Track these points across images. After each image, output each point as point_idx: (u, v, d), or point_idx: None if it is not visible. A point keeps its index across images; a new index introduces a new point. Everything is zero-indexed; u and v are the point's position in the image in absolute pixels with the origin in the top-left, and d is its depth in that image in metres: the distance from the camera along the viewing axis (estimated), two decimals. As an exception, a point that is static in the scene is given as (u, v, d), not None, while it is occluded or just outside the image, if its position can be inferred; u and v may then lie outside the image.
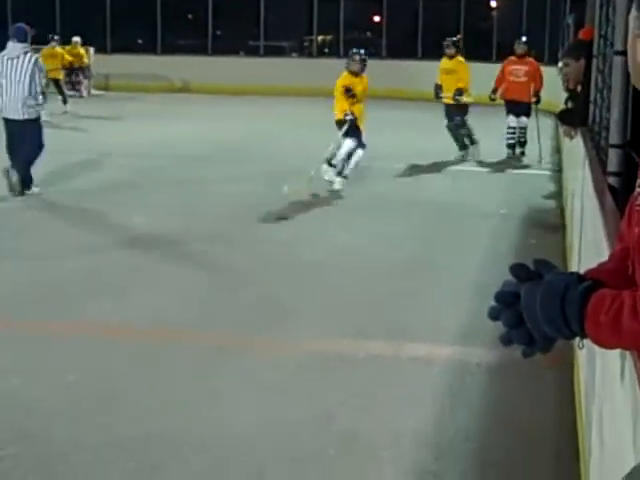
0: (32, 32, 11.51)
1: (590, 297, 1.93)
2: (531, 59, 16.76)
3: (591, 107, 6.25)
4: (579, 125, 6.97)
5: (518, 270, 2.10)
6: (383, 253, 8.57)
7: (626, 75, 4.21)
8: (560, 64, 13.79)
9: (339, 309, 6.82)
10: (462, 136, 14.83)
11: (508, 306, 2.08)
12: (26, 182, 10.79)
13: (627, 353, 2.09)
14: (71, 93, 23.86)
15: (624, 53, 4.10)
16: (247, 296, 7.18)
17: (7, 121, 10.95)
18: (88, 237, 8.94)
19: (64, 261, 7.99)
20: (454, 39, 16.40)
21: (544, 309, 1.99)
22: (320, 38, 31.97)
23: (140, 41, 31.37)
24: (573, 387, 5.00)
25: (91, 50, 26.92)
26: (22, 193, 10.68)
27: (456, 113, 14.76)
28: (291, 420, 4.89)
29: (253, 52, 32.12)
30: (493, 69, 26.77)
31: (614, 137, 4.32)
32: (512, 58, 16.47)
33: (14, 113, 10.81)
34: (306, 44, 32.63)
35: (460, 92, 14.69)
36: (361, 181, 12.50)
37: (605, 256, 2.83)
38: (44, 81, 11.45)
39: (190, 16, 34.53)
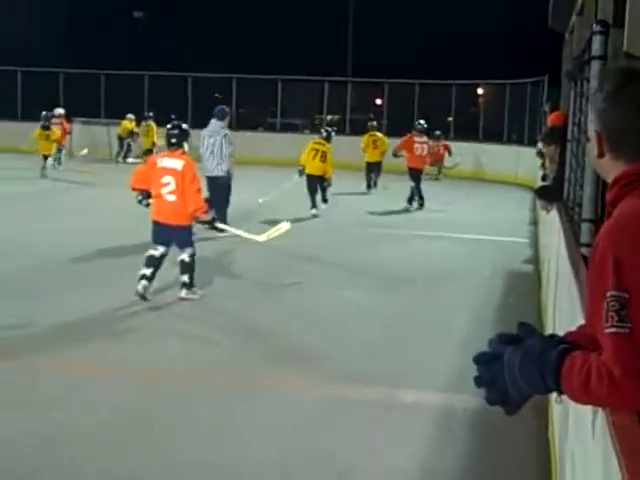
0: (229, 113, 13.85)
1: (565, 359, 1.93)
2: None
3: (566, 185, 6.26)
4: (555, 200, 6.98)
5: (504, 336, 2.12)
6: (382, 310, 8.53)
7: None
8: (539, 146, 13.93)
9: (341, 358, 6.77)
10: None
11: (485, 365, 2.10)
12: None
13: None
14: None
15: (596, 140, 4.13)
16: (262, 343, 7.16)
17: (208, 178, 12.56)
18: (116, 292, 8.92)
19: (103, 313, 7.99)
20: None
21: (523, 370, 2.01)
22: (329, 117, 32.22)
23: (173, 116, 31.58)
24: (548, 429, 4.94)
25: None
26: None
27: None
28: (296, 454, 4.86)
29: (271, 128, 32.45)
30: (479, 148, 27.16)
31: (587, 212, 4.31)
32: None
33: (211, 172, 12.75)
34: (317, 122, 32.92)
35: None
36: (363, 245, 12.54)
37: (579, 319, 2.81)
38: (229, 150, 12.89)
39: (217, 95, 34.89)
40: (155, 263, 8.37)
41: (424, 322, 8.16)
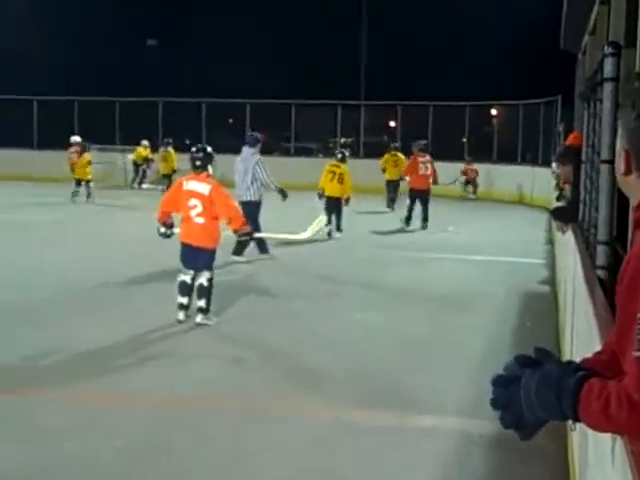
0: (263, 138, 13.88)
1: (583, 386, 1.90)
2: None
3: (581, 206, 6.22)
4: (570, 221, 6.94)
5: (521, 359, 2.08)
6: (395, 331, 8.50)
7: (612, 180, 4.20)
8: (553, 166, 13.92)
9: (354, 381, 6.73)
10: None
11: (502, 388, 2.06)
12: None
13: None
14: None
15: (609, 162, 4.11)
16: (277, 368, 7.15)
17: (239, 203, 12.35)
18: (137, 318, 8.93)
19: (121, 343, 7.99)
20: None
21: (540, 394, 1.97)
22: (342, 140, 32.27)
23: (188, 141, 31.78)
24: (567, 456, 4.88)
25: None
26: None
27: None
28: (307, 477, 4.84)
29: (285, 152, 32.50)
30: (493, 169, 27.14)
31: (602, 234, 4.28)
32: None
33: (242, 197, 12.83)
34: (331, 146, 32.96)
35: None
36: (378, 267, 12.51)
37: (596, 342, 2.78)
38: (264, 175, 13.05)
39: (231, 120, 35.03)
40: (189, 291, 8.56)
41: (438, 344, 8.11)
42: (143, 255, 12.10)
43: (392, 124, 32.95)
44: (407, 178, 18.65)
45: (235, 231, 8.92)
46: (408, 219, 17.91)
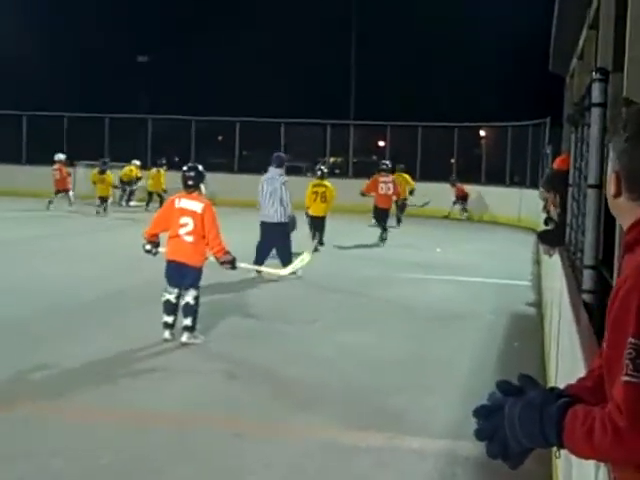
0: (287, 159, 14.40)
1: (567, 412, 1.89)
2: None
3: (567, 230, 6.25)
4: (557, 245, 6.97)
5: (503, 386, 2.08)
6: (383, 351, 8.49)
7: (598, 204, 4.22)
8: (541, 189, 13.99)
9: (342, 402, 6.72)
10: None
11: (485, 418, 2.06)
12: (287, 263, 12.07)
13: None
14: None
15: (596, 186, 4.13)
16: (265, 387, 7.12)
17: (264, 224, 13.07)
18: (124, 331, 8.90)
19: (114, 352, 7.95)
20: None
21: (523, 422, 1.97)
22: (332, 160, 32.31)
23: (177, 159, 31.72)
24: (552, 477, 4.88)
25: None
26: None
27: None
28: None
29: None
30: (481, 190, 27.21)
31: (588, 258, 4.29)
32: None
33: (270, 218, 12.97)
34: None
35: None
36: (366, 287, 12.51)
37: (580, 366, 2.78)
38: (286, 198, 13.07)
39: (220, 138, 35.04)
40: (174, 309, 8.51)
41: (426, 364, 8.11)
42: (131, 271, 12.08)
43: (381, 144, 33.05)
44: (372, 194, 19.06)
45: (216, 258, 8.70)
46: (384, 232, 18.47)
